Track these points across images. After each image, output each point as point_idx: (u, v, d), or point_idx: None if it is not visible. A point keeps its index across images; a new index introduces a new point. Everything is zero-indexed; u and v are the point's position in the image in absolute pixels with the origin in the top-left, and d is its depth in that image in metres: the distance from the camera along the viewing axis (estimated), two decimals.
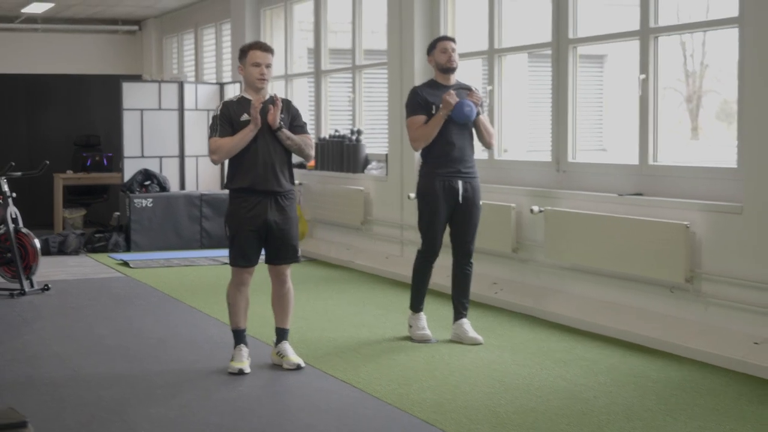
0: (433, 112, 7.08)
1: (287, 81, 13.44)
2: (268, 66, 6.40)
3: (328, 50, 12.65)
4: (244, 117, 6.30)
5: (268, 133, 6.34)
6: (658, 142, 7.62)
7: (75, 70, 16.87)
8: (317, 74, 12.63)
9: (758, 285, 6.49)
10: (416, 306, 7.33)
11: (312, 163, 12.30)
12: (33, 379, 6.20)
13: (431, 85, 7.26)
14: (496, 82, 9.30)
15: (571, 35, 8.37)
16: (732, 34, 7.18)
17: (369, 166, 11.32)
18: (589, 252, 7.72)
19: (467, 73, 10.00)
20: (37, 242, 9.41)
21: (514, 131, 12.89)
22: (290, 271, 6.57)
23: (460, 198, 7.11)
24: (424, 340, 7.19)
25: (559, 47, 8.44)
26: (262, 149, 6.33)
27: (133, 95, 13.23)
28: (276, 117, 6.31)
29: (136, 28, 18.44)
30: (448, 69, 7.18)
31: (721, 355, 6.46)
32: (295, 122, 6.51)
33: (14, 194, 9.38)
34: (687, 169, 7.33)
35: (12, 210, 9.33)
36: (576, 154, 8.42)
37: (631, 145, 7.82)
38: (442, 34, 9.99)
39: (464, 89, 7.16)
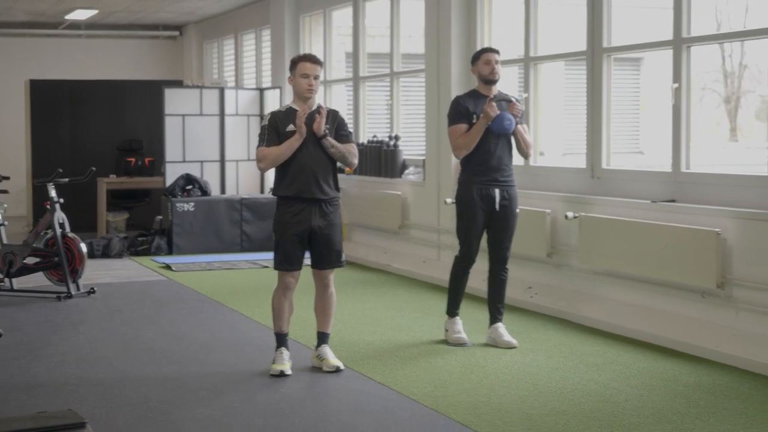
0: (474, 121, 7.26)
1: (326, 87, 13.65)
2: (316, 77, 6.62)
3: (367, 54, 12.84)
4: (290, 127, 6.54)
5: (314, 142, 6.56)
6: (691, 149, 7.75)
7: (117, 76, 17.17)
8: (355, 80, 12.83)
9: None
10: (452, 310, 7.52)
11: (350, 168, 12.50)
12: (82, 381, 6.43)
13: (473, 95, 7.43)
14: (532, 90, 9.45)
15: (605, 44, 8.51)
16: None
17: (406, 171, 11.50)
18: (622, 257, 7.86)
19: (503, 80, 10.16)
20: (83, 246, 9.67)
21: (550, 136, 13.04)
22: (333, 276, 6.77)
23: (497, 206, 7.29)
24: (460, 344, 7.37)
25: (594, 56, 8.59)
26: (306, 158, 6.55)
27: (174, 101, 13.49)
28: (321, 125, 6.53)
29: (177, 33, 18.73)
30: (490, 81, 7.36)
31: (751, 359, 6.58)
32: (340, 131, 6.73)
33: (62, 200, 9.63)
34: (719, 177, 7.46)
35: (59, 215, 9.59)
36: (610, 160, 8.56)
37: (668, 148, 7.94)
38: (478, 40, 10.19)
39: (505, 101, 7.33)
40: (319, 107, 6.59)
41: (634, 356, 6.96)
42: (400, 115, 12.11)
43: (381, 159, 11.76)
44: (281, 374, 6.49)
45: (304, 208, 6.57)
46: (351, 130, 6.86)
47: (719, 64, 16.90)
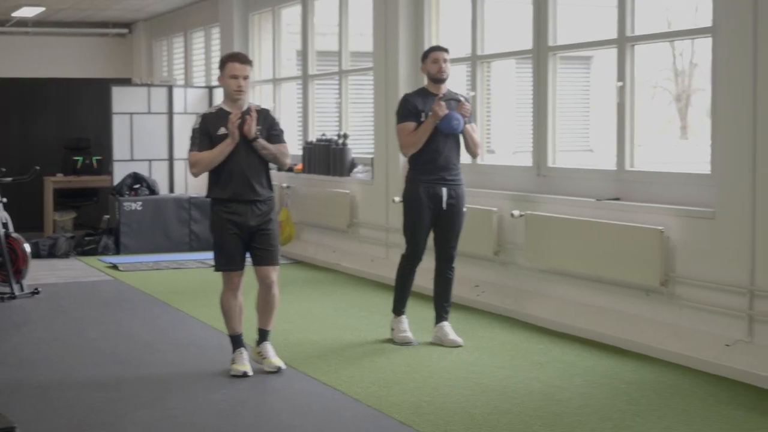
0: (422, 119, 7.25)
1: (275, 85, 13.59)
2: (246, 78, 6.56)
3: (316, 53, 12.80)
4: (222, 131, 6.49)
5: (245, 144, 6.52)
6: (635, 148, 7.79)
7: (65, 74, 17.00)
8: (305, 78, 12.78)
9: (730, 288, 6.66)
10: (398, 309, 7.51)
11: (300, 166, 12.48)
12: (23, 383, 6.35)
13: (422, 93, 7.42)
14: (480, 88, 9.46)
15: (551, 42, 8.53)
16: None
17: (355, 170, 11.48)
18: (568, 255, 7.89)
19: (452, 78, 10.16)
20: (27, 246, 9.56)
21: (501, 134, 13.07)
22: (276, 275, 6.73)
23: (444, 204, 7.28)
24: (406, 343, 7.36)
25: (540, 54, 8.61)
26: (239, 161, 6.52)
27: (122, 99, 13.37)
28: (252, 128, 6.48)
29: (126, 31, 18.57)
30: (438, 79, 7.35)
31: (693, 356, 6.63)
32: (271, 131, 6.70)
33: (5, 199, 9.52)
34: (662, 175, 7.50)
35: (2, 215, 9.48)
36: (556, 159, 8.58)
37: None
38: (426, 38, 10.18)
39: (454, 100, 7.32)
40: (249, 109, 6.54)
41: (578, 354, 6.99)
42: (350, 114, 12.08)
43: (330, 157, 11.73)
44: (244, 374, 6.44)
45: (239, 208, 6.54)
46: (282, 128, 6.80)
47: (670, 62, 17.02)
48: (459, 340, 7.32)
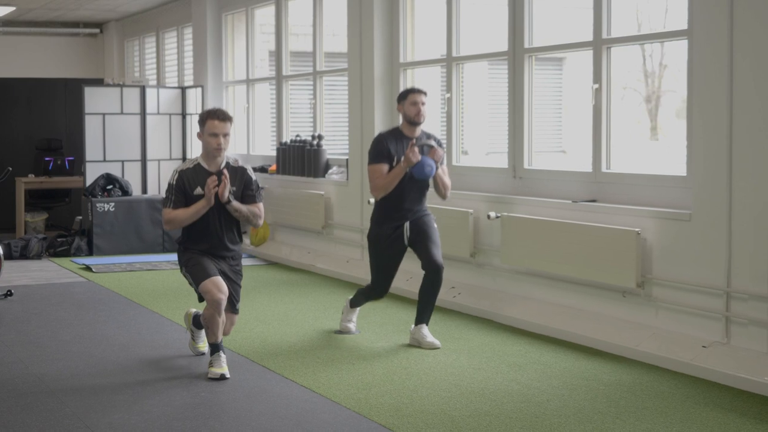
0: (395, 163, 7.26)
1: (249, 86, 13.54)
2: (225, 135, 6.61)
3: (290, 53, 12.76)
4: (198, 191, 6.58)
5: (219, 204, 6.60)
6: (612, 150, 7.81)
7: (36, 74, 16.88)
8: (278, 79, 12.74)
9: (706, 290, 6.68)
10: (355, 303, 7.74)
11: (273, 167, 12.44)
12: None
13: (396, 134, 7.40)
14: (455, 90, 9.45)
15: (527, 44, 8.54)
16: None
17: (330, 171, 11.46)
18: (544, 257, 7.90)
19: (426, 79, 10.17)
20: (0, 248, 9.49)
21: (474, 135, 13.06)
22: (233, 327, 6.88)
23: (406, 240, 7.36)
24: (347, 332, 7.69)
25: (515, 56, 8.61)
26: (212, 220, 6.64)
27: (95, 99, 13.28)
28: (224, 192, 6.54)
29: (97, 31, 18.46)
30: (415, 123, 7.34)
31: (670, 358, 6.65)
32: (246, 191, 6.76)
33: None
34: (639, 177, 7.52)
35: None
36: (532, 161, 8.59)
37: (590, 147, 7.98)
38: (401, 39, 10.17)
39: (426, 145, 7.30)
40: (223, 171, 6.58)
41: (555, 356, 6.99)
42: (324, 115, 12.05)
43: (304, 158, 11.70)
44: (222, 377, 6.41)
45: (211, 257, 6.67)
46: (258, 185, 6.86)
47: (640, 63, 17.07)
48: (437, 342, 7.31)
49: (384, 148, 7.33)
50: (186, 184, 6.59)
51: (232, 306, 6.74)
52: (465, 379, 6.39)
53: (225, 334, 6.72)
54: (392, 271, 7.48)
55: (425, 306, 7.43)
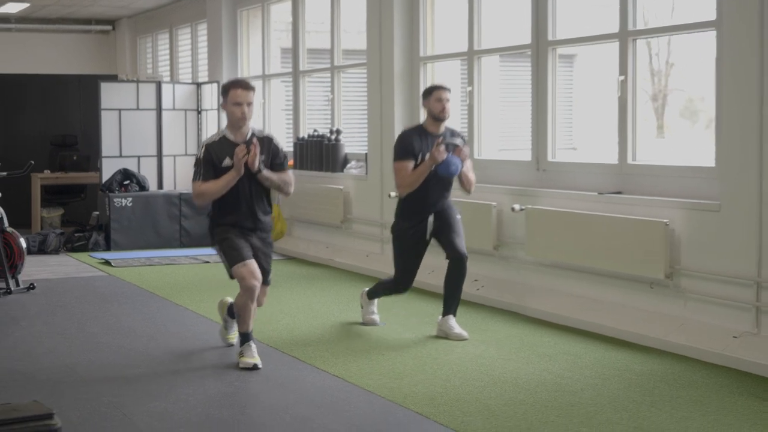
0: (419, 161, 7.27)
1: (264, 81, 13.55)
2: (249, 104, 6.55)
3: (306, 50, 12.77)
4: (227, 162, 6.50)
5: (249, 174, 6.53)
6: (637, 141, 7.82)
7: (49, 70, 16.88)
8: (295, 74, 12.75)
9: (736, 281, 6.69)
10: (374, 295, 7.75)
11: (291, 162, 12.44)
12: (29, 376, 6.30)
13: (420, 132, 7.40)
14: (476, 83, 9.46)
15: (550, 37, 8.55)
16: (700, 36, 7.47)
17: (348, 165, 11.46)
18: (570, 249, 7.90)
19: (446, 73, 10.19)
20: (22, 241, 9.49)
21: (488, 130, 13.05)
22: (266, 299, 6.83)
23: (428, 234, 7.37)
24: (372, 323, 7.69)
25: (539, 49, 8.62)
26: (243, 191, 6.57)
27: (110, 95, 13.29)
28: (255, 161, 6.48)
29: (109, 28, 18.47)
30: (440, 119, 7.35)
31: (701, 348, 6.65)
32: (275, 160, 6.70)
33: (0, 194, 9.44)
34: (665, 168, 7.53)
35: None
36: (556, 153, 8.60)
37: (601, 144, 8.00)
38: (421, 33, 10.18)
39: (452, 144, 7.31)
40: (253, 139, 6.54)
41: (585, 347, 7.00)
42: (341, 111, 12.06)
43: (322, 153, 11.70)
44: (254, 367, 6.41)
45: (242, 231, 6.61)
46: (285, 154, 6.80)
47: (647, 62, 17.08)
48: (464, 333, 7.32)
49: (409, 145, 7.34)
50: (213, 157, 6.52)
51: (264, 277, 6.65)
52: (496, 369, 6.40)
53: (259, 304, 6.65)
54: (416, 265, 7.49)
55: (451, 297, 7.44)
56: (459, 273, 7.35)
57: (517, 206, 8.41)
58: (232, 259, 6.52)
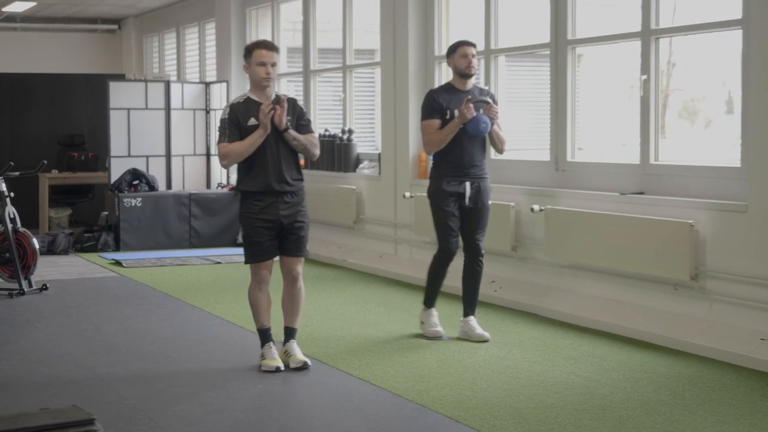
0: (448, 117, 7.17)
1: (275, 81, 13.43)
2: (274, 65, 6.45)
3: (318, 49, 12.69)
4: (252, 122, 6.34)
5: (275, 134, 6.37)
6: (660, 141, 7.75)
7: (54, 69, 16.81)
8: (306, 74, 12.67)
9: (763, 282, 6.61)
10: (429, 302, 7.42)
11: (302, 161, 12.34)
12: (51, 379, 6.22)
13: (448, 89, 7.33)
14: (493, 83, 9.38)
15: (570, 36, 8.48)
16: (700, 36, 7.58)
17: (361, 165, 11.38)
18: (592, 250, 7.82)
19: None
20: (35, 242, 9.41)
21: (507, 130, 12.97)
22: (302, 268, 6.62)
23: (467, 199, 7.21)
24: (436, 337, 7.27)
25: (558, 48, 8.55)
26: (270, 152, 6.38)
27: (118, 94, 13.21)
28: (282, 118, 6.34)
29: (115, 27, 18.40)
30: (466, 75, 7.26)
31: (728, 351, 6.57)
32: (300, 121, 6.57)
33: (12, 194, 9.37)
34: (690, 168, 7.45)
35: (10, 210, 9.32)
36: (575, 153, 8.52)
37: (606, 144, 7.94)
38: (436, 33, 10.11)
39: (481, 101, 7.22)
40: (279, 98, 6.40)
41: (609, 349, 6.92)
42: (353, 110, 11.98)
43: (334, 153, 11.62)
44: (276, 369, 6.32)
45: (271, 201, 6.43)
46: (310, 118, 6.72)
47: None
48: (486, 334, 7.24)
49: (436, 103, 7.25)
50: (239, 117, 6.37)
51: (301, 247, 6.53)
52: (522, 372, 6.32)
53: (295, 276, 6.54)
54: (456, 226, 7.27)
55: (470, 295, 7.38)
56: (475, 269, 7.33)
57: (536, 207, 8.34)
58: (250, 254, 6.45)
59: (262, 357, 6.46)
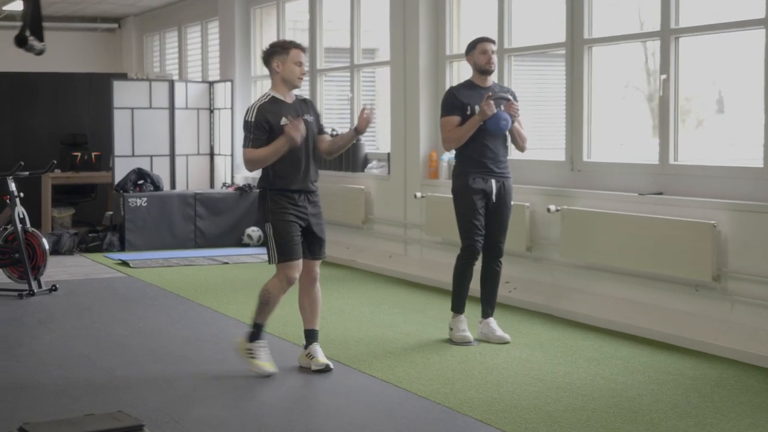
0: (468, 113, 7.10)
1: None
2: (305, 65, 6.46)
3: (324, 49, 12.62)
4: (284, 121, 6.23)
5: (306, 136, 6.34)
6: (679, 142, 7.68)
7: (54, 68, 16.68)
8: (312, 73, 12.59)
9: None
10: (457, 308, 7.29)
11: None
12: (68, 381, 6.12)
13: (468, 86, 7.27)
14: (507, 82, 9.30)
15: (586, 35, 8.41)
16: (700, 36, 7.57)
17: (369, 165, 11.30)
18: (608, 251, 7.75)
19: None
20: (45, 242, 9.32)
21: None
22: (319, 269, 6.55)
23: (494, 197, 7.13)
24: (465, 342, 7.14)
25: (573, 47, 8.48)
26: (298, 153, 6.32)
27: (121, 94, 13.12)
28: (365, 124, 6.56)
29: (115, 26, 18.31)
30: (486, 71, 7.21)
31: (751, 352, 6.51)
32: (319, 121, 6.58)
33: (22, 194, 9.27)
34: (710, 169, 7.39)
35: (19, 210, 9.23)
36: (591, 153, 8.45)
37: (610, 144, 7.88)
38: (447, 32, 10.03)
39: (502, 98, 7.16)
40: (307, 101, 6.50)
41: (631, 351, 6.85)
42: (359, 110, 11.88)
43: (342, 153, 11.50)
44: (270, 376, 6.21)
45: (300, 199, 6.37)
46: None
47: (642, 62, 16.99)
48: (506, 336, 7.17)
49: (456, 100, 7.21)
50: (270, 117, 6.26)
51: (319, 249, 6.52)
52: (547, 374, 6.25)
53: (314, 277, 6.52)
54: (481, 224, 7.17)
55: (488, 296, 7.32)
56: (495, 270, 7.28)
57: (552, 207, 8.27)
58: (282, 252, 6.28)
59: (252, 356, 6.31)
